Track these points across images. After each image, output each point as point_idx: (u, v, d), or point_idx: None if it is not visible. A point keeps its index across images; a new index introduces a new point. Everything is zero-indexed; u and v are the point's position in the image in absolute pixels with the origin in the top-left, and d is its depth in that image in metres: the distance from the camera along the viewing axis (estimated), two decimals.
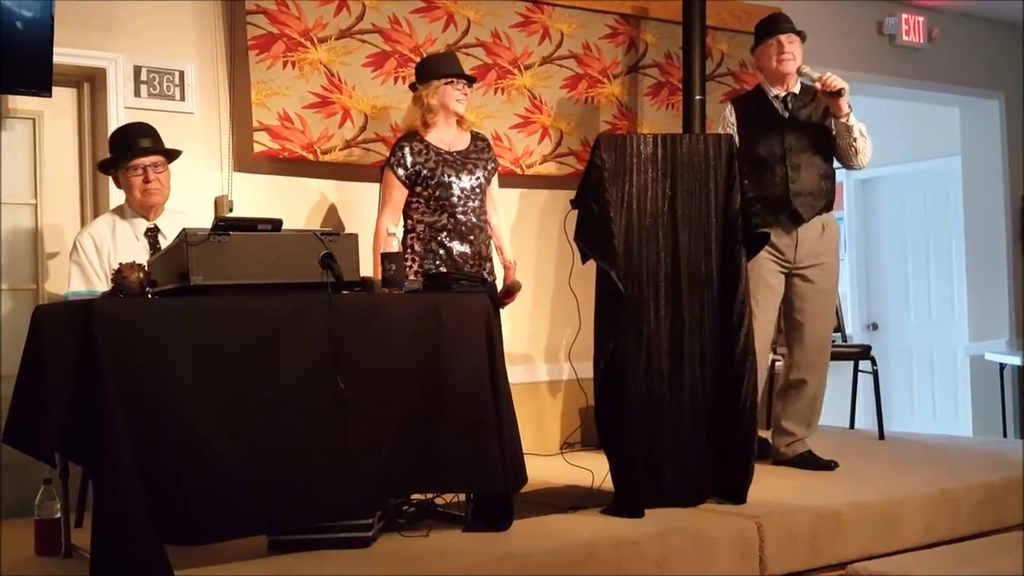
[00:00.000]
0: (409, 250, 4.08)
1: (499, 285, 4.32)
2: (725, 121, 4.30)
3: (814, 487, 3.81)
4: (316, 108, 4.43)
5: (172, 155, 3.78)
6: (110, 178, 3.91)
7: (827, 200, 4.28)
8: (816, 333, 4.28)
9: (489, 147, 4.32)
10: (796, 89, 4.28)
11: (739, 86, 5.53)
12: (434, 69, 4.14)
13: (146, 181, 3.67)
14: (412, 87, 4.23)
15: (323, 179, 4.53)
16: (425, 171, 4.07)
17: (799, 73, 4.24)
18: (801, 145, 4.22)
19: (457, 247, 4.10)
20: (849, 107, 4.16)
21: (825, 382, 4.33)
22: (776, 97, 4.27)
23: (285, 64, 4.36)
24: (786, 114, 4.24)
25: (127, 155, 3.68)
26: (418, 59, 4.60)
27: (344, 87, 4.50)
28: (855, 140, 4.20)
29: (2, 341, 3.91)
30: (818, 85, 4.14)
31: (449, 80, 4.09)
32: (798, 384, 4.27)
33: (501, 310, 4.36)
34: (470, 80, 4.21)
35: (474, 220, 4.15)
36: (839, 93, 4.12)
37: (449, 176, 4.09)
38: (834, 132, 4.25)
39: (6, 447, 2.97)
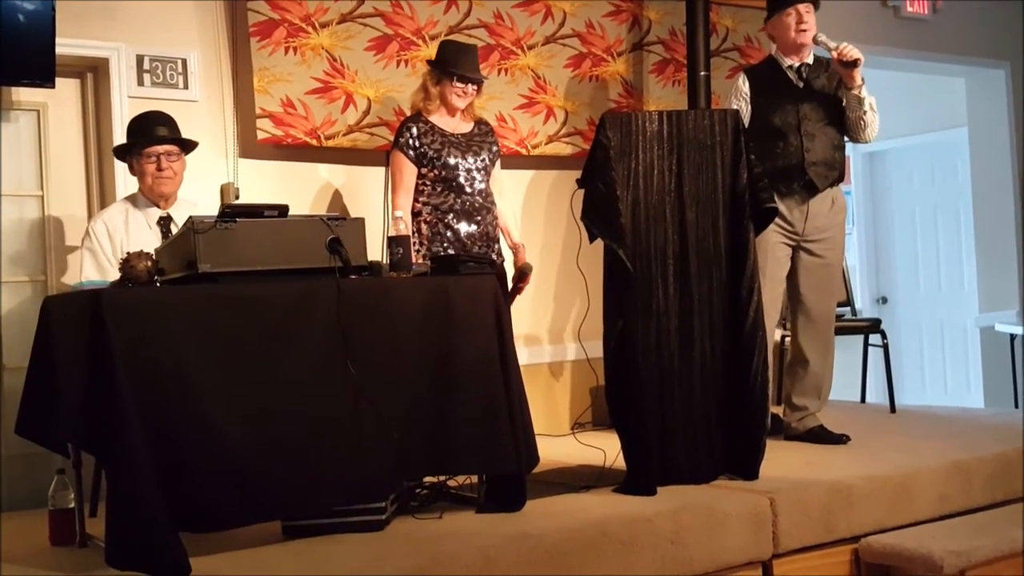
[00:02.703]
0: (416, 234, 4.08)
1: (507, 268, 4.32)
2: (738, 91, 4.25)
3: (826, 461, 3.80)
4: (319, 94, 4.42)
5: (188, 146, 3.78)
6: (116, 167, 3.91)
7: (839, 171, 4.26)
8: (822, 307, 4.26)
9: (492, 132, 4.33)
10: (810, 60, 4.26)
11: (745, 61, 5.50)
12: (445, 60, 4.12)
13: (159, 169, 3.68)
14: (429, 62, 4.22)
15: (328, 164, 4.52)
16: (431, 152, 4.06)
17: (815, 41, 4.20)
18: (815, 115, 4.19)
19: (464, 228, 4.09)
20: (862, 79, 4.14)
21: (833, 355, 4.31)
22: (790, 67, 4.23)
23: (287, 50, 4.34)
24: (800, 84, 4.21)
25: (142, 142, 3.69)
26: (420, 42, 4.58)
27: (346, 72, 4.49)
28: (865, 113, 4.17)
29: (12, 333, 3.92)
30: (834, 54, 4.10)
31: (453, 76, 4.08)
32: (805, 359, 4.25)
33: (518, 295, 4.37)
34: (477, 82, 4.17)
35: (480, 201, 4.15)
36: (855, 63, 4.08)
37: (455, 157, 4.08)
38: (844, 104, 4.22)
39: (17, 438, 2.98)
